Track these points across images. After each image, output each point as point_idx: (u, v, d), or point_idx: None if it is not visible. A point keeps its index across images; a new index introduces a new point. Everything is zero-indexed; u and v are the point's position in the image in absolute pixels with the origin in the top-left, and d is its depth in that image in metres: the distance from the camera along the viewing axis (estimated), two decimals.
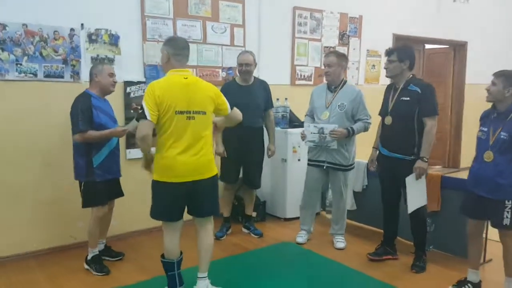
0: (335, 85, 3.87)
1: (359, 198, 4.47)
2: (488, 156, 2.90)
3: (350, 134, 3.74)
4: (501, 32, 7.66)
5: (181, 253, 3.00)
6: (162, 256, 2.96)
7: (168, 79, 2.81)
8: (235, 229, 4.44)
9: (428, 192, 3.50)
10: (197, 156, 2.81)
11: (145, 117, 2.68)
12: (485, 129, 3.00)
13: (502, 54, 7.56)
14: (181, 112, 2.74)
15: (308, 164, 4.04)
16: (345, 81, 3.91)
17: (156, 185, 2.85)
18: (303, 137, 3.89)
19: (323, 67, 3.92)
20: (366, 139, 5.29)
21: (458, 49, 7.40)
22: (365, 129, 3.83)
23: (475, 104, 7.48)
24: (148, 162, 2.92)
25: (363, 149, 5.05)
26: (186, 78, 2.81)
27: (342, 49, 5.75)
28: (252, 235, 4.34)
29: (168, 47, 2.85)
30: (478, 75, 7.41)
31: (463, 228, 3.49)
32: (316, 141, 3.79)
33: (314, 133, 3.80)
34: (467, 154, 7.49)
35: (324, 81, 4.07)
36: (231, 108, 3.05)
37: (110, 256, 3.70)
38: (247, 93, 4.07)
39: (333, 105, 3.82)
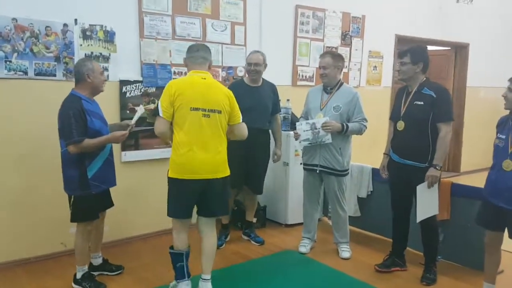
0: (331, 87, 3.73)
1: (364, 204, 4.31)
2: (508, 164, 2.74)
3: (343, 129, 3.59)
4: (504, 34, 7.56)
5: (188, 246, 3.02)
6: (171, 247, 2.99)
7: (186, 78, 2.98)
8: (234, 236, 4.26)
9: (438, 200, 3.35)
10: (212, 154, 2.86)
11: (159, 114, 2.82)
12: (503, 137, 2.84)
13: (504, 57, 7.48)
14: (196, 109, 2.81)
15: (304, 168, 3.91)
16: (342, 83, 3.77)
17: (172, 182, 2.89)
18: (297, 137, 3.74)
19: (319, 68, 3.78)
20: (371, 142, 5.19)
21: (460, 51, 7.28)
22: (360, 130, 3.68)
23: (476, 107, 7.43)
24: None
25: (368, 153, 4.92)
26: (204, 78, 2.92)
27: (344, 50, 5.61)
28: (253, 242, 4.15)
29: (186, 53, 3.07)
30: (480, 78, 7.35)
31: (474, 238, 3.38)
32: (311, 139, 3.65)
33: (307, 130, 3.67)
34: (468, 158, 7.43)
35: None
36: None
37: (109, 270, 3.44)
38: (256, 94, 3.91)
39: (328, 107, 3.68)
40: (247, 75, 4.02)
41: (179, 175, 2.84)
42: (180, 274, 2.98)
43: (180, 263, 2.97)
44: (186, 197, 2.89)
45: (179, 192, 2.88)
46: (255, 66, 3.87)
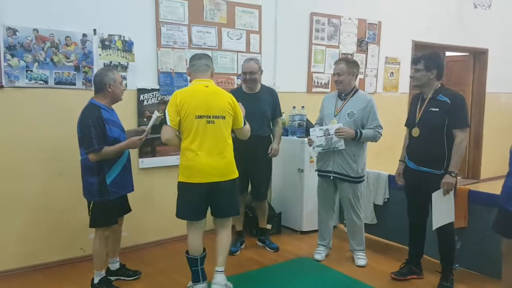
0: (345, 93, 3.73)
1: (380, 211, 4.28)
2: None
3: (357, 135, 3.58)
4: None
5: (204, 250, 3.16)
6: (187, 252, 3.14)
7: (190, 87, 3.13)
8: (249, 243, 4.27)
9: (455, 207, 3.31)
10: (218, 158, 3.02)
11: (166, 123, 2.99)
12: None
13: None
14: (201, 117, 2.98)
15: (318, 175, 3.91)
16: (357, 89, 3.77)
17: (180, 186, 3.07)
18: (310, 143, 3.76)
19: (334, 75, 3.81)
20: (388, 149, 5.16)
21: (478, 56, 7.20)
22: (375, 137, 3.66)
23: (496, 113, 7.32)
24: None
25: (385, 160, 4.89)
26: (207, 86, 3.08)
27: (360, 56, 5.61)
28: (268, 249, 4.16)
29: (189, 63, 3.24)
30: (499, 84, 7.24)
31: (491, 246, 3.32)
32: (324, 145, 3.66)
33: (320, 136, 3.67)
34: (488, 165, 7.31)
35: None
36: (244, 124, 3.25)
37: (126, 275, 3.50)
38: (253, 101, 3.90)
39: (342, 113, 3.69)
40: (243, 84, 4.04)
41: (187, 179, 3.01)
42: (196, 277, 3.13)
43: (194, 267, 3.12)
44: (193, 199, 3.03)
45: (187, 195, 3.05)
46: (251, 75, 3.89)
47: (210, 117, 2.99)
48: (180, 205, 3.09)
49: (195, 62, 3.14)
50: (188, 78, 4.16)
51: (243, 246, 4.19)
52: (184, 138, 3.02)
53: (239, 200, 3.29)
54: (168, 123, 2.97)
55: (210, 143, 2.99)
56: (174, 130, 3.00)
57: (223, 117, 3.04)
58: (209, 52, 4.31)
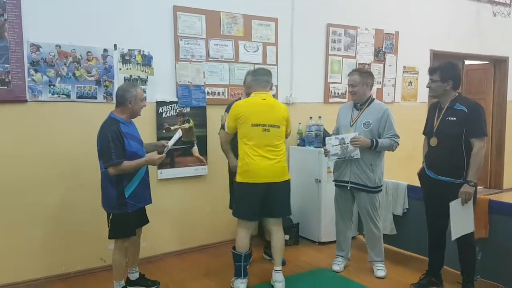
0: (361, 103, 3.74)
1: (399, 222, 4.23)
2: None
3: (373, 145, 3.57)
4: None
5: (249, 249, 3.47)
6: (233, 248, 3.44)
7: (249, 99, 3.48)
8: (256, 256, 4.18)
9: (475, 217, 3.27)
10: (272, 162, 3.34)
11: (224, 128, 3.56)
12: None
13: None
14: (257, 125, 3.33)
15: (335, 185, 3.91)
16: (373, 99, 3.78)
17: (238, 186, 3.41)
18: (326, 153, 3.76)
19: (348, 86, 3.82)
20: (408, 158, 5.12)
21: (499, 64, 7.11)
22: (391, 147, 3.64)
23: None
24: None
25: (404, 169, 4.85)
26: (264, 99, 3.42)
27: (377, 66, 5.61)
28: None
29: (250, 76, 3.63)
30: None
31: None
32: (339, 154, 3.66)
33: (335, 145, 3.68)
34: (510, 174, 7.17)
35: None
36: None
37: (146, 285, 3.53)
38: None
39: (358, 123, 3.69)
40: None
41: (244, 179, 3.35)
42: (238, 273, 3.43)
43: (238, 263, 3.42)
44: (250, 198, 3.35)
45: (244, 195, 3.38)
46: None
47: (266, 125, 3.34)
48: (238, 205, 3.43)
49: (257, 78, 3.48)
50: (206, 89, 4.30)
51: (250, 259, 3.98)
52: (244, 142, 3.36)
53: (290, 201, 3.56)
54: (226, 129, 3.49)
55: (266, 149, 3.32)
56: (230, 135, 3.52)
57: (278, 126, 3.38)
58: (226, 65, 4.43)
